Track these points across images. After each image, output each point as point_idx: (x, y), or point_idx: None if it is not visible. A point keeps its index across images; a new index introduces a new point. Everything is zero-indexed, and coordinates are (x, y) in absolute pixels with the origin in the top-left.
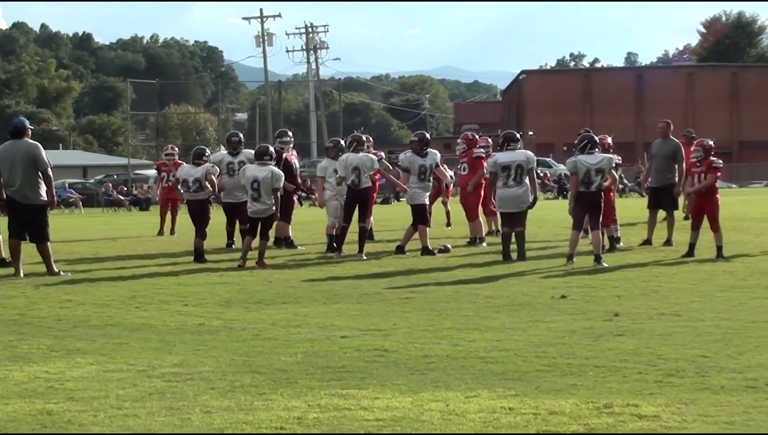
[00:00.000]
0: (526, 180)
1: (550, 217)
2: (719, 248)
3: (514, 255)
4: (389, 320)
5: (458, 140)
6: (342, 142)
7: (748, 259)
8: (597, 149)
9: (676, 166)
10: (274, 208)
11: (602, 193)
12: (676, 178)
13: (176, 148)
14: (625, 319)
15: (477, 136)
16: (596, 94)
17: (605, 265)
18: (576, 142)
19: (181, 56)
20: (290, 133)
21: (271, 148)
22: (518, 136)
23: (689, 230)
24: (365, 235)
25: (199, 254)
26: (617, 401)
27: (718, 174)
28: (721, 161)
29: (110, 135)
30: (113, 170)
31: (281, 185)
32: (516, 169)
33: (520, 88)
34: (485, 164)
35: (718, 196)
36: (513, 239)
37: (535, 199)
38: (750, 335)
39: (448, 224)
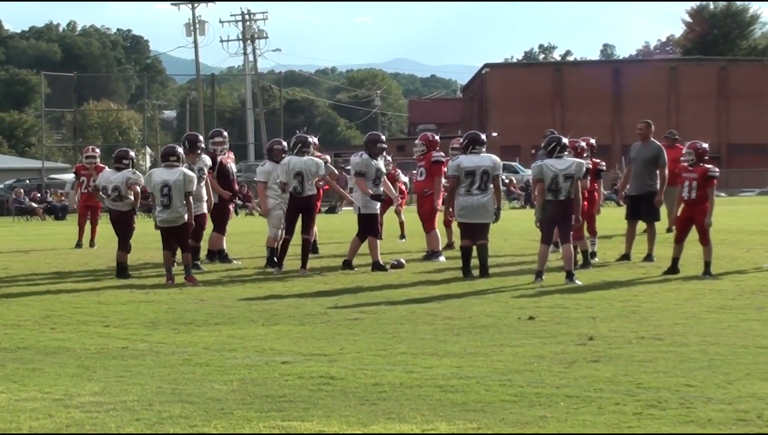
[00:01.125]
0: (491, 188)
1: (517, 229)
2: (707, 264)
3: (475, 271)
4: (336, 344)
5: (417, 141)
6: (284, 143)
7: (738, 276)
8: (567, 152)
9: (658, 171)
10: (186, 215)
11: (573, 202)
12: (658, 186)
13: (97, 150)
14: (601, 343)
15: (437, 137)
16: (568, 90)
17: (578, 282)
18: (543, 144)
19: (102, 46)
20: (225, 134)
21: (179, 149)
22: (484, 138)
23: (672, 243)
24: (309, 247)
25: (122, 269)
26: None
27: (714, 182)
28: (717, 170)
29: (22, 135)
30: (25, 174)
31: (194, 189)
32: (481, 175)
33: (483, 84)
34: (444, 170)
35: (708, 205)
36: (474, 253)
37: (499, 209)
38: (740, 362)
39: (402, 236)
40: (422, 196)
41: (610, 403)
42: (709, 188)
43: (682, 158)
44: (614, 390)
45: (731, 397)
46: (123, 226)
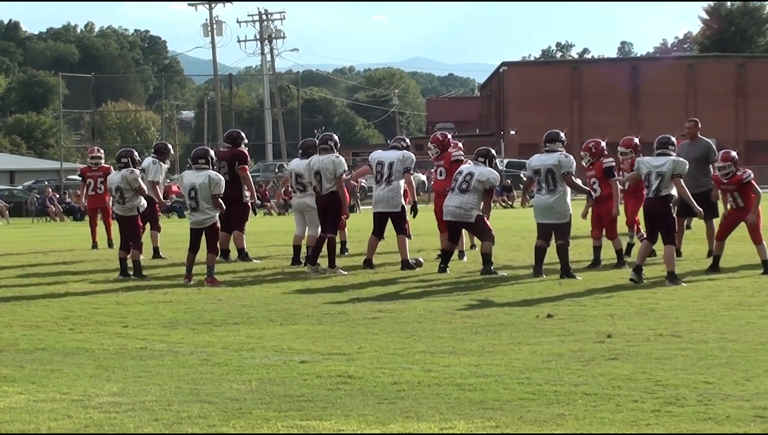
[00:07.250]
0: (561, 188)
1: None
2: (765, 263)
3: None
4: (354, 343)
5: (429, 144)
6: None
7: (756, 272)
8: (672, 149)
9: (711, 167)
10: (216, 217)
11: (664, 202)
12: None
13: (102, 150)
14: (619, 340)
15: (450, 136)
16: (586, 88)
17: (683, 284)
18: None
19: (120, 47)
20: (243, 135)
21: (211, 152)
22: (561, 135)
23: (705, 240)
24: (331, 246)
25: (137, 268)
26: (610, 433)
27: (752, 184)
28: (749, 172)
29: (40, 136)
30: (44, 175)
31: (221, 191)
32: (546, 174)
33: (501, 82)
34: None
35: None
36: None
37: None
38: (759, 358)
39: (409, 236)
40: (443, 195)
41: (628, 400)
42: (751, 190)
43: (717, 172)
44: (632, 387)
45: (750, 394)
46: (127, 229)
